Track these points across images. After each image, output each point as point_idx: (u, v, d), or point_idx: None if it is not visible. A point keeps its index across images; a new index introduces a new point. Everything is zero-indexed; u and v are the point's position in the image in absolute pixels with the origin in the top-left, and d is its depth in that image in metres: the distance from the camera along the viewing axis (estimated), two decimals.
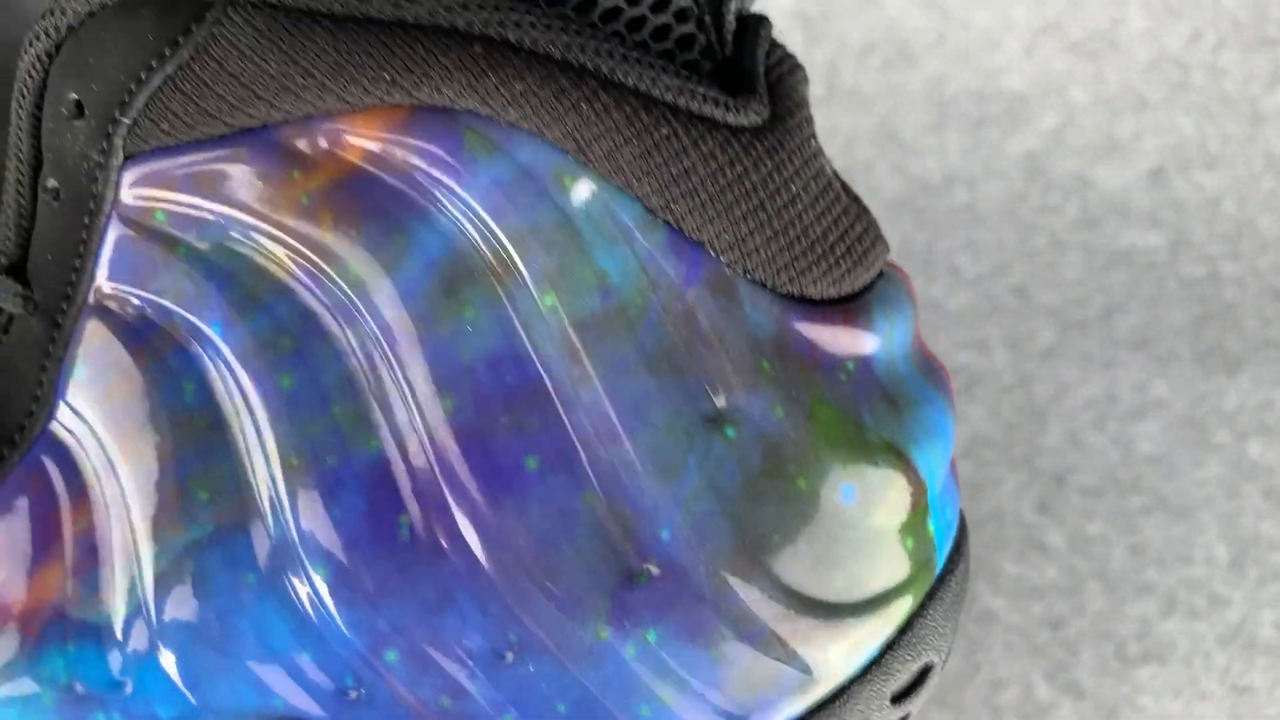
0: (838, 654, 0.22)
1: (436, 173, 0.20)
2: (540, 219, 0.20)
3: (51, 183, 0.22)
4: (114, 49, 0.20)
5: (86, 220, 0.21)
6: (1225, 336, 0.39)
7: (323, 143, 0.20)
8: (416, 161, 0.20)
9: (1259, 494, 0.38)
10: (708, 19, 0.20)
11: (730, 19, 0.21)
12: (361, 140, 0.20)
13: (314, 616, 0.21)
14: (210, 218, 0.21)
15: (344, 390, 0.21)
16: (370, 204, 0.20)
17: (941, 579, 0.23)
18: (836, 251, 0.21)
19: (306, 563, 0.21)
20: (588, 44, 0.19)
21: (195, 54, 0.20)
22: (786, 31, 0.42)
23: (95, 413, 0.21)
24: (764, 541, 0.20)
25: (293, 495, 0.21)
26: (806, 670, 0.21)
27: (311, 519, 0.21)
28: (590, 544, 0.20)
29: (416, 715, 0.21)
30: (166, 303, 0.21)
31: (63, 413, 0.22)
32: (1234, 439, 0.38)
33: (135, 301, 0.21)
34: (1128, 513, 0.38)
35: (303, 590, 0.21)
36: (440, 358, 0.20)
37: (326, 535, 0.20)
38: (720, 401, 0.20)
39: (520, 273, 0.20)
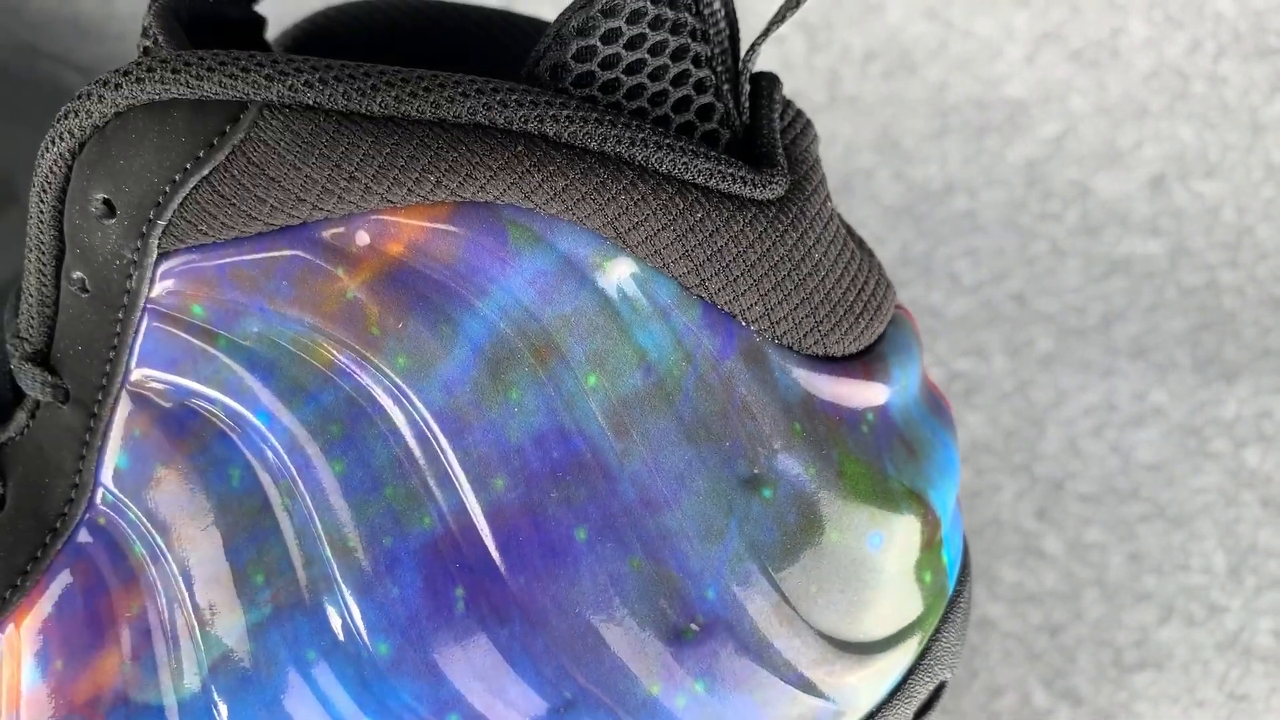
0: (867, 687, 0.23)
1: (480, 264, 0.20)
2: (582, 304, 0.21)
3: (78, 274, 0.21)
4: (145, 151, 0.20)
5: (120, 315, 0.21)
6: (1224, 345, 0.39)
7: (365, 238, 0.20)
8: (460, 253, 0.20)
9: (1257, 502, 0.38)
10: (725, 88, 0.21)
11: (746, 86, 0.21)
12: (404, 234, 0.20)
13: (376, 686, 0.21)
14: (251, 313, 0.21)
15: (395, 471, 0.21)
16: (415, 297, 0.20)
17: (952, 601, 0.24)
18: (856, 309, 0.22)
19: (367, 639, 0.21)
20: (623, 134, 0.20)
21: (232, 156, 0.20)
22: (788, 38, 0.42)
23: (139, 501, 0.21)
24: (802, 594, 0.22)
25: (349, 575, 0.21)
26: (838, 705, 0.23)
27: (369, 598, 0.21)
28: (640, 606, 0.21)
29: None
30: (209, 391, 0.21)
31: (104, 498, 0.22)
32: (1232, 447, 0.38)
33: (174, 391, 0.21)
34: (1126, 520, 0.38)
35: (366, 663, 0.21)
36: (489, 439, 0.21)
37: (385, 613, 0.21)
38: (757, 465, 0.22)
39: (564, 355, 0.21)
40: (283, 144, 0.19)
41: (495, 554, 0.21)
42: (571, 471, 0.21)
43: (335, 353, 0.21)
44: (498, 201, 0.20)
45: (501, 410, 0.21)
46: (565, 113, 0.20)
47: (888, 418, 0.23)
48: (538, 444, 0.21)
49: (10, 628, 0.22)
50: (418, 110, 0.19)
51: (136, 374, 0.21)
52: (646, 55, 0.20)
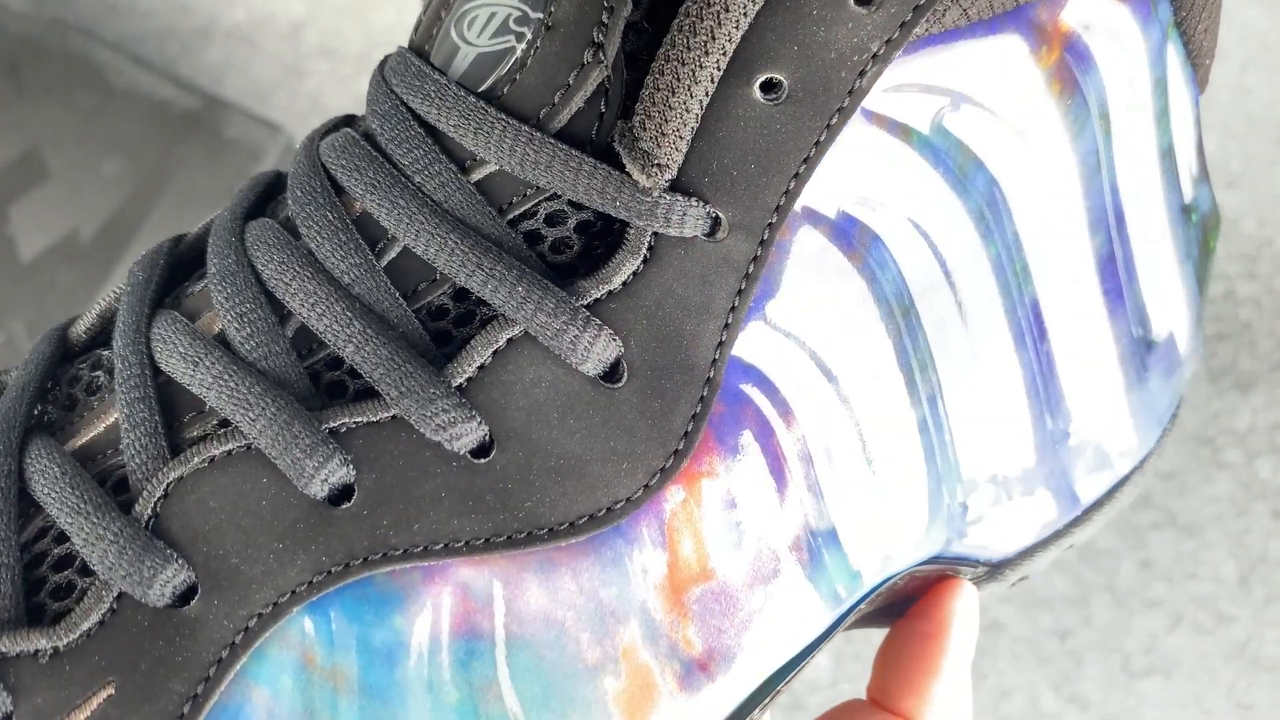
0: None
1: (1133, 39, 0.21)
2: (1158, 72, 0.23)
3: (771, 78, 0.18)
4: None
5: (830, 121, 0.19)
6: (1239, 356, 0.40)
7: (1057, 16, 0.20)
8: (1121, 25, 0.21)
9: (1268, 513, 0.38)
10: None
11: None
12: (1079, 9, 0.20)
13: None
14: (943, 102, 0.20)
15: (1018, 249, 0.21)
16: (1077, 73, 0.21)
17: None
18: None
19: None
20: None
21: None
22: None
23: (802, 324, 0.19)
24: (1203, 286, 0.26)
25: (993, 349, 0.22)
26: None
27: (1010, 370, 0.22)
28: None
29: None
30: (886, 194, 0.20)
31: (754, 334, 0.19)
32: (1245, 458, 0.39)
33: (848, 199, 0.19)
34: (1137, 527, 0.38)
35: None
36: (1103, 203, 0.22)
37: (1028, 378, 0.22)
38: (1188, 196, 0.24)
39: (1146, 110, 0.22)
40: None
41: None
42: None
43: (995, 137, 0.20)
44: None
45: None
46: None
47: None
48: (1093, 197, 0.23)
49: (678, 494, 0.19)
50: None
51: (817, 186, 0.19)
52: None
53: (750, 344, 0.19)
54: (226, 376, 0.17)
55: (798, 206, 0.19)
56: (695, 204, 0.18)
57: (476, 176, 0.18)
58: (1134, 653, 0.38)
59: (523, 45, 0.18)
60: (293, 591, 0.16)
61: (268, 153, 0.40)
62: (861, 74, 0.19)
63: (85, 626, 0.16)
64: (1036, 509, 0.23)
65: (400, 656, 0.17)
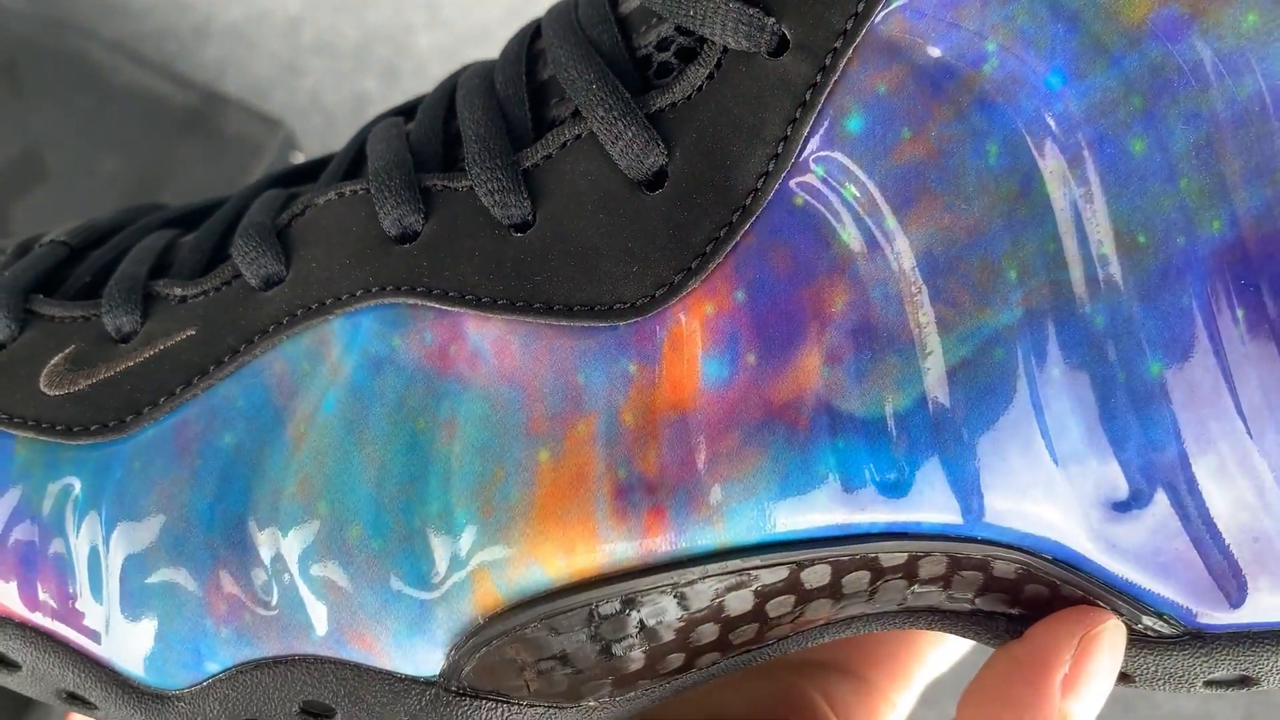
0: None
1: None
2: None
3: None
4: None
5: None
6: None
7: None
8: None
9: None
10: None
11: None
12: None
13: (1116, 419, 0.18)
14: None
15: (1194, 160, 0.17)
16: None
17: None
18: None
19: (1135, 359, 0.18)
20: None
21: None
22: None
23: (871, 173, 0.18)
24: None
25: (1133, 277, 0.18)
26: None
27: (1154, 305, 0.18)
28: None
29: (1194, 526, 0.18)
30: (988, 42, 0.17)
31: (812, 174, 0.18)
32: None
33: (940, 40, 0.18)
34: None
35: (1109, 396, 0.18)
36: None
37: (1168, 326, 0.18)
38: None
39: None
40: None
41: None
42: None
43: (1158, 6, 0.17)
44: None
45: None
46: None
47: None
48: None
49: (681, 316, 0.18)
50: None
51: (896, 16, 0.17)
52: None
53: (802, 181, 0.18)
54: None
55: (877, 36, 0.18)
56: (758, 14, 0.18)
57: (625, 10, 0.20)
58: None
59: None
60: (338, 298, 0.19)
61: (267, 149, 0.40)
62: None
63: (197, 291, 0.20)
64: None
65: (386, 369, 0.19)
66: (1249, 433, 0.18)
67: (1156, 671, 0.19)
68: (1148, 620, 0.19)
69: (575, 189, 0.19)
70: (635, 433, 0.18)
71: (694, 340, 0.18)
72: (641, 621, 0.19)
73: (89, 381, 0.20)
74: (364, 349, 0.19)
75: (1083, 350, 0.18)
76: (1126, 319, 0.18)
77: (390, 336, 0.19)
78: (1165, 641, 0.19)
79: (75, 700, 0.21)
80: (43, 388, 0.20)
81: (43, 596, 0.20)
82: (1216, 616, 0.19)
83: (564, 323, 0.18)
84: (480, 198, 0.19)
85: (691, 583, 0.19)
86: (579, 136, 0.19)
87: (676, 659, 0.20)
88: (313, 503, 0.19)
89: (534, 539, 0.18)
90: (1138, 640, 0.19)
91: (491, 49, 0.47)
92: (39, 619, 0.20)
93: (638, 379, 0.18)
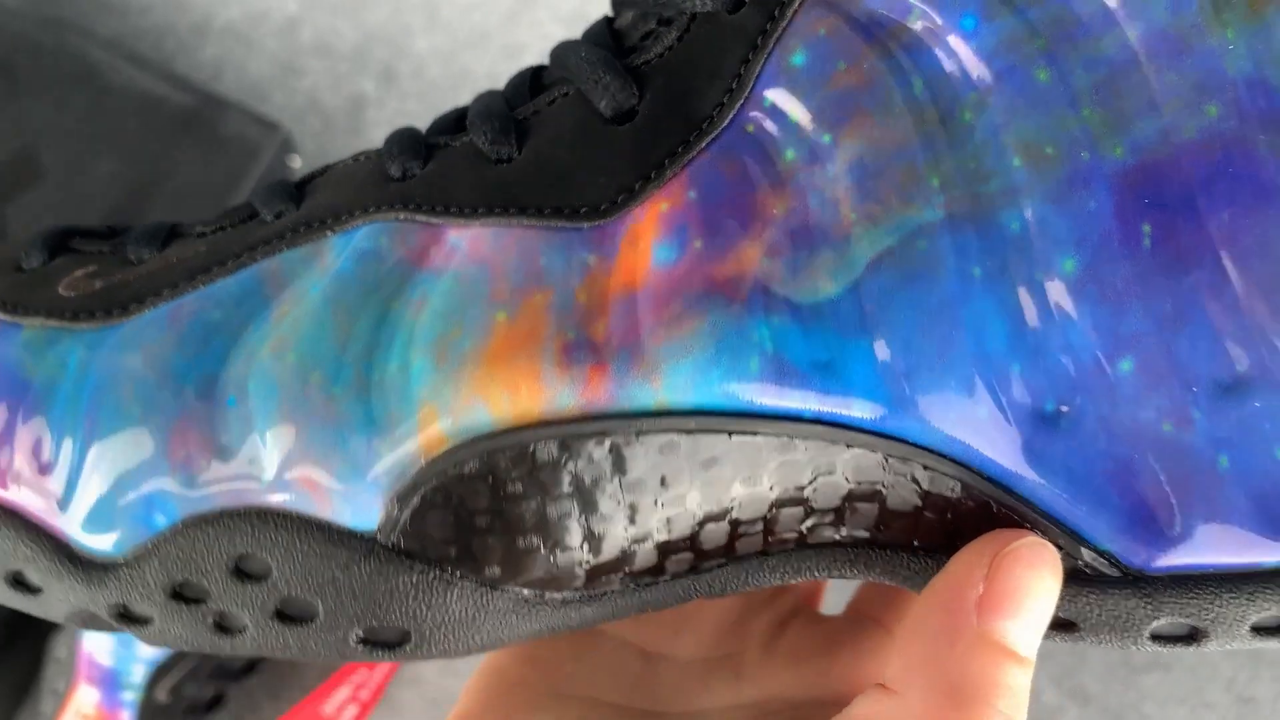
0: None
1: None
2: None
3: None
4: None
5: None
6: None
7: None
8: None
9: None
10: None
11: None
12: None
13: (1036, 324, 0.20)
14: None
15: (1094, 96, 0.20)
16: None
17: None
18: None
19: (1050, 257, 0.20)
20: None
21: None
22: None
23: (810, 100, 0.21)
24: None
25: (1041, 184, 0.20)
26: None
27: (1064, 207, 0.19)
28: None
29: (1122, 442, 0.20)
30: None
31: (759, 105, 0.21)
32: None
33: None
34: None
35: (1028, 297, 0.20)
36: (1205, 67, 0.19)
37: (1077, 225, 0.20)
38: None
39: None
40: None
41: (1195, 189, 0.19)
42: (1276, 126, 0.19)
43: None
44: None
45: (1219, 43, 0.19)
46: None
47: None
48: (1248, 87, 0.19)
49: (640, 215, 0.21)
50: None
51: None
52: None
53: (753, 114, 0.21)
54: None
55: None
56: None
57: (619, 26, 0.23)
58: None
59: None
60: (337, 217, 0.22)
61: (264, 150, 0.39)
62: None
63: (215, 226, 0.23)
64: None
65: (369, 259, 0.21)
66: (1162, 339, 0.19)
67: (1099, 616, 0.20)
68: (1087, 554, 0.20)
69: (561, 127, 0.22)
70: (587, 308, 0.21)
71: (648, 233, 0.21)
72: (577, 476, 0.21)
73: (103, 283, 0.22)
74: (354, 248, 0.21)
75: (1002, 253, 0.20)
76: (1040, 220, 0.19)
77: (378, 237, 0.21)
78: (1106, 581, 0.20)
79: (20, 586, 0.22)
80: (60, 290, 0.22)
81: (17, 466, 0.21)
82: (1156, 557, 0.20)
83: (534, 222, 0.21)
84: (475, 141, 0.22)
85: (629, 442, 0.21)
86: (566, 94, 0.22)
87: (620, 541, 0.21)
88: (282, 354, 0.21)
89: (482, 380, 0.20)
90: (1078, 578, 0.20)
91: (490, 52, 0.46)
92: (9, 494, 0.22)
93: (595, 269, 0.21)
